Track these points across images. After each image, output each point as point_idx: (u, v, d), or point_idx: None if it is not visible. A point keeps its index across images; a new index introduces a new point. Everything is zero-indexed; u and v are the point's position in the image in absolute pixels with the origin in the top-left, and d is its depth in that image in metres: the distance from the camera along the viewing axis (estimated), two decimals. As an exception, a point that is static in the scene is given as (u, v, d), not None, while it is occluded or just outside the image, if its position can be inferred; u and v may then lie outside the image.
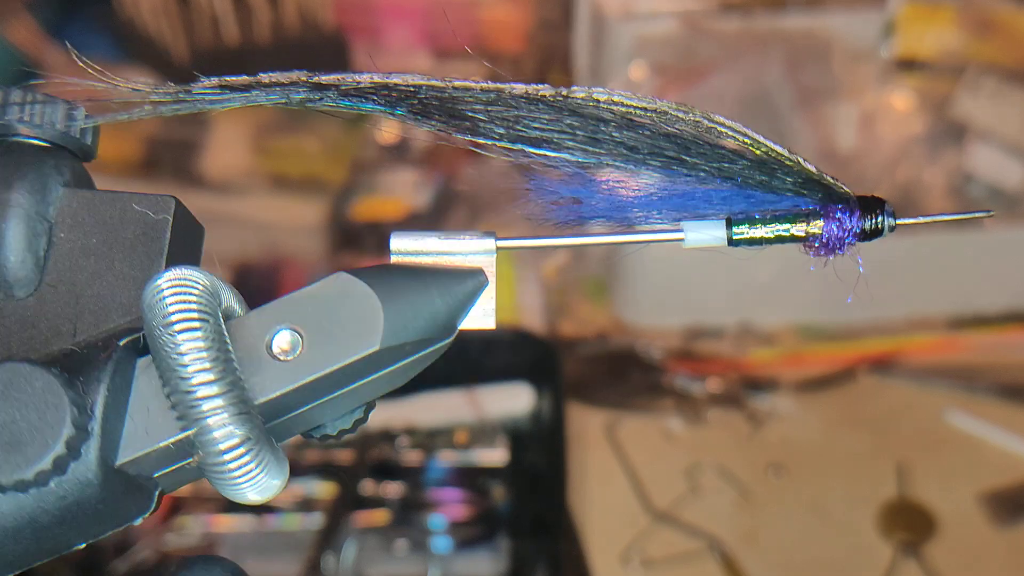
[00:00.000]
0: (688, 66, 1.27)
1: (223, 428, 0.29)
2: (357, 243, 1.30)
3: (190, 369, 0.29)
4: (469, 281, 0.34)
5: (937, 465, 1.02)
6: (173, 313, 0.30)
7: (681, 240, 0.34)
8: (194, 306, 0.30)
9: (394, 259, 0.34)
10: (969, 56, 1.30)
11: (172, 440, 0.31)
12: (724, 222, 0.35)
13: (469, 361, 1.04)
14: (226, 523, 0.91)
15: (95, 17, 1.71)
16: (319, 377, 0.31)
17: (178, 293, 0.30)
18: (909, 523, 0.95)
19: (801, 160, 0.35)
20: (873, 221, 0.35)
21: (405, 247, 0.34)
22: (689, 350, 1.15)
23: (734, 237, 0.35)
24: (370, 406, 0.35)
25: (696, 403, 1.08)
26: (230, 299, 0.32)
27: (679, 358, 1.13)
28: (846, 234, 0.35)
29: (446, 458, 0.96)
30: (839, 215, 0.35)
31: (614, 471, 1.01)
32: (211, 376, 0.29)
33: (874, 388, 1.11)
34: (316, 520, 0.91)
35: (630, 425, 1.06)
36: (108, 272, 0.33)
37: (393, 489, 0.93)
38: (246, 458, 0.30)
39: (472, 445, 0.98)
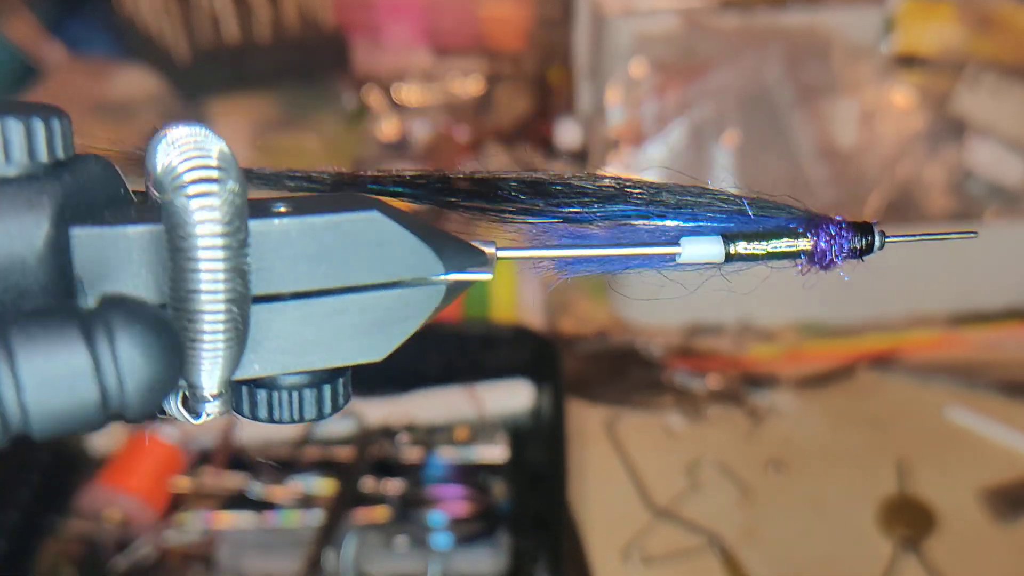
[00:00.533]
0: (688, 63, 1.27)
1: (215, 307, 0.28)
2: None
3: (202, 242, 0.28)
4: (471, 250, 0.34)
5: (937, 461, 1.02)
6: (189, 171, 0.28)
7: (677, 254, 0.36)
8: (213, 163, 0.28)
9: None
10: (969, 52, 1.30)
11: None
12: (720, 238, 0.36)
13: (469, 358, 1.04)
14: (226, 520, 0.91)
15: (95, 15, 1.71)
16: (312, 224, 0.31)
17: (193, 149, 0.28)
18: (909, 519, 0.95)
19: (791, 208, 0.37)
20: (863, 240, 0.36)
21: None
22: (689, 347, 1.15)
23: (731, 253, 0.36)
24: (346, 391, 0.34)
25: (696, 400, 1.08)
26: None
27: (679, 355, 1.13)
28: (838, 252, 0.36)
29: (446, 455, 0.96)
30: (831, 232, 0.36)
31: (614, 468, 1.01)
32: (220, 254, 0.28)
33: (874, 385, 1.11)
34: (316, 517, 0.91)
35: (630, 422, 1.06)
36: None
37: (393, 486, 0.93)
38: (219, 343, 0.29)
39: (472, 442, 0.98)
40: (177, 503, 0.93)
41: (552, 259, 0.36)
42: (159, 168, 0.28)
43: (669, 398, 1.09)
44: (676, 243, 0.36)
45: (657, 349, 1.14)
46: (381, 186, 0.36)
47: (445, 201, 0.36)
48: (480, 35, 1.70)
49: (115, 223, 0.30)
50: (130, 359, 0.26)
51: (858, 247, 0.36)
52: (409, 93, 1.58)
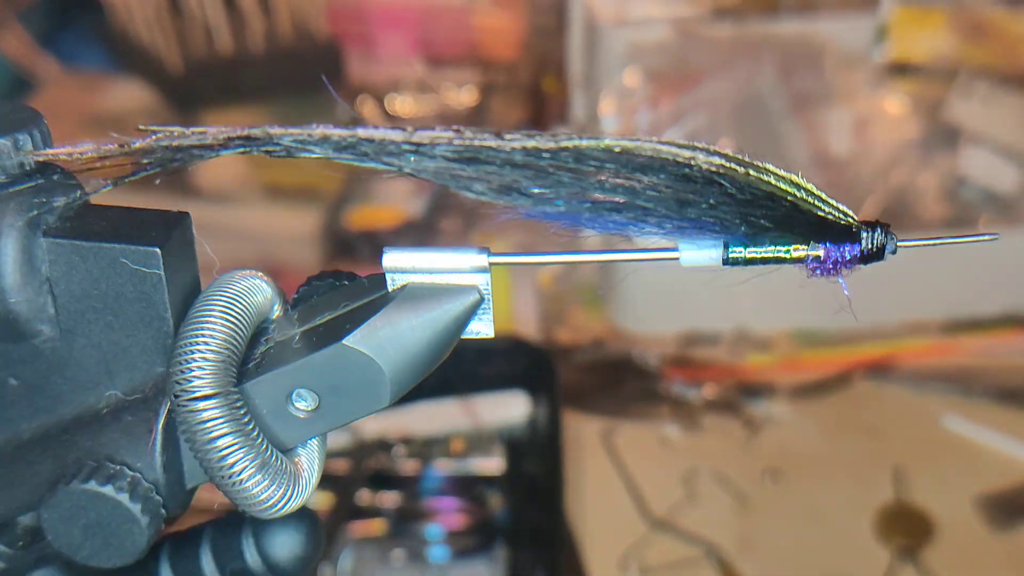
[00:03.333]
0: (681, 72, 1.27)
1: (244, 484, 0.33)
2: (352, 252, 1.30)
3: (219, 447, 0.32)
4: (466, 304, 0.34)
5: (934, 469, 1.02)
6: (191, 391, 0.32)
7: (676, 259, 0.34)
8: (208, 380, 0.32)
9: (388, 276, 0.34)
10: (961, 60, 1.30)
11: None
12: (720, 243, 0.34)
13: (464, 370, 1.04)
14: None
15: (88, 27, 1.71)
16: (335, 427, 0.35)
17: (192, 369, 0.32)
18: (907, 528, 0.95)
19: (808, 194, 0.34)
20: (875, 244, 0.34)
21: (397, 263, 0.33)
22: (685, 357, 1.15)
23: (730, 256, 0.34)
24: None
25: (692, 410, 1.08)
26: (267, 307, 0.35)
27: (675, 365, 1.13)
28: (848, 257, 0.34)
29: (442, 467, 0.96)
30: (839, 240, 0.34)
31: (611, 478, 1.01)
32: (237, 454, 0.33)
33: (870, 393, 1.11)
34: (313, 531, 0.90)
35: (627, 432, 1.06)
36: (120, 321, 0.33)
37: (389, 499, 0.93)
38: (268, 503, 0.34)
39: (468, 454, 0.98)
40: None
41: (545, 263, 0.35)
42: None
43: (665, 408, 1.08)
44: (674, 247, 0.34)
45: (653, 359, 1.14)
46: (394, 158, 0.33)
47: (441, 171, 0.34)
48: (474, 45, 1.70)
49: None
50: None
51: (869, 252, 0.34)
52: (403, 104, 1.58)
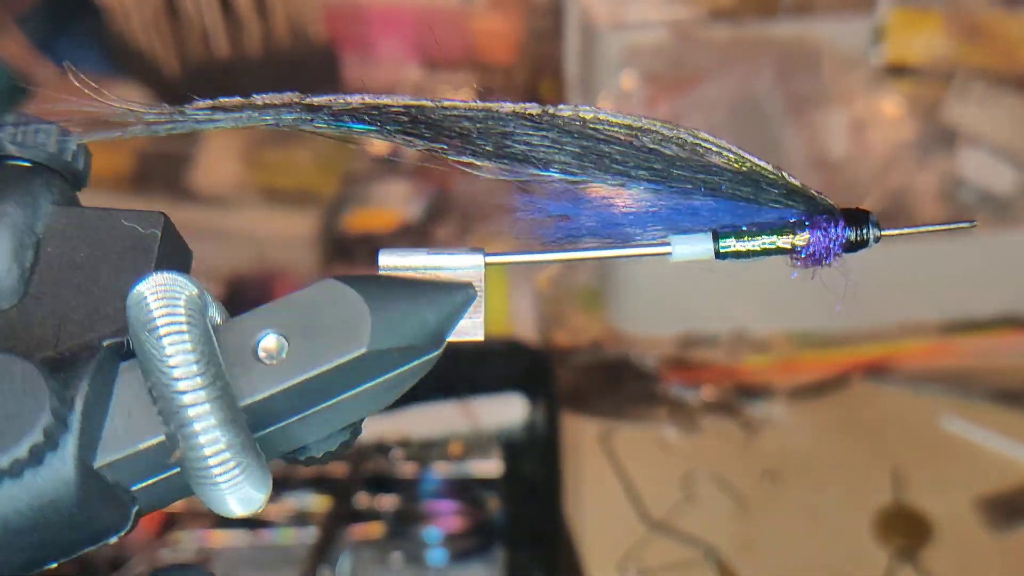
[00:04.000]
0: (678, 75, 1.27)
1: (209, 432, 0.29)
2: (349, 255, 1.30)
3: (176, 372, 0.29)
4: (458, 294, 0.34)
5: (933, 470, 1.02)
6: (159, 316, 0.30)
7: (668, 254, 0.35)
8: (180, 309, 0.30)
9: (383, 275, 0.34)
10: (958, 61, 1.30)
11: (154, 442, 0.31)
12: (711, 235, 0.35)
13: (462, 372, 1.04)
14: (221, 538, 0.91)
15: (86, 31, 1.71)
16: (305, 380, 0.32)
17: (164, 296, 0.30)
18: (905, 529, 0.95)
19: (785, 175, 0.35)
20: (858, 232, 0.35)
21: (393, 264, 0.34)
22: (683, 358, 1.15)
23: (721, 250, 0.35)
24: (356, 429, 0.35)
25: (690, 411, 1.08)
26: (214, 310, 0.32)
27: (673, 366, 1.13)
28: (832, 244, 0.35)
29: (441, 470, 0.96)
30: (824, 226, 0.35)
31: (609, 480, 1.01)
32: (198, 381, 0.29)
33: (868, 394, 1.11)
34: (311, 534, 0.90)
35: (625, 434, 1.06)
36: (95, 285, 0.33)
37: (388, 502, 0.93)
38: (231, 463, 0.30)
39: (467, 456, 0.97)
40: (171, 522, 0.93)
41: (541, 262, 0.35)
42: (132, 316, 0.30)
43: (663, 410, 1.08)
44: (666, 243, 0.35)
45: (651, 361, 1.14)
46: (351, 118, 0.35)
47: (417, 141, 0.35)
48: (471, 48, 1.70)
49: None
50: None
51: (853, 239, 0.35)
52: (400, 107, 1.58)
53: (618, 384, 1.11)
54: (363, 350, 0.32)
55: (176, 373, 0.29)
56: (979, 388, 1.10)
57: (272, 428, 0.33)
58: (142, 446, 0.31)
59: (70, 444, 0.29)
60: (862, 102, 1.27)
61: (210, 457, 0.29)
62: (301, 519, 0.92)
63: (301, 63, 1.63)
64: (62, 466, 0.29)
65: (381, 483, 0.95)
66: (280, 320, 0.32)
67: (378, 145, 1.50)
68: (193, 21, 1.59)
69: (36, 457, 0.29)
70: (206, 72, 1.60)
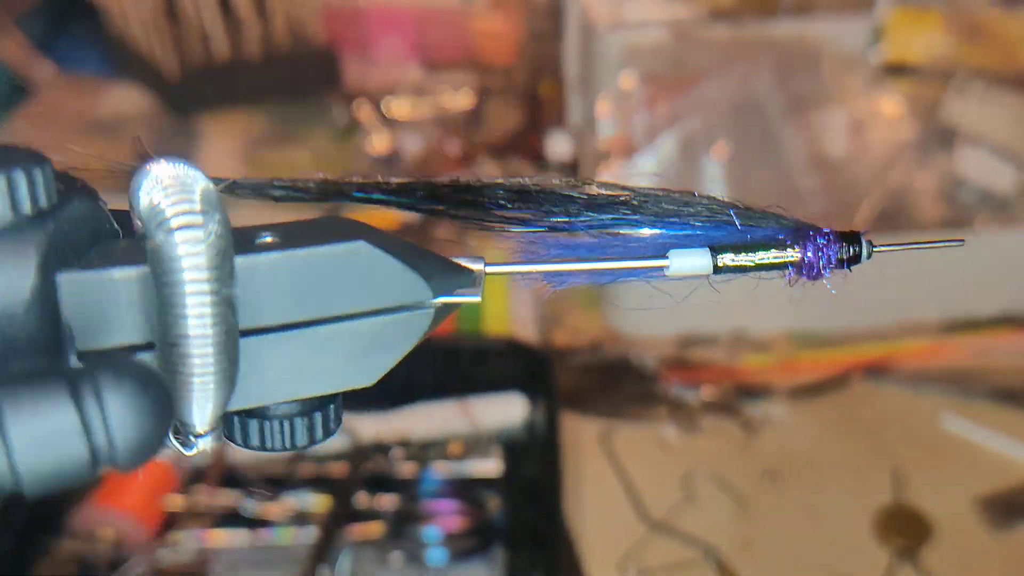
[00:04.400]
0: (678, 75, 1.27)
1: (205, 347, 0.28)
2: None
3: (187, 276, 0.28)
4: (459, 269, 0.34)
5: (932, 470, 1.02)
6: (173, 214, 0.28)
7: (666, 268, 0.35)
8: (197, 204, 0.28)
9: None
10: (958, 61, 1.30)
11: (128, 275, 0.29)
12: (707, 250, 0.36)
13: (462, 372, 1.04)
14: (220, 538, 0.91)
15: (84, 33, 1.71)
16: (297, 257, 0.31)
17: (177, 189, 0.28)
18: (905, 529, 0.95)
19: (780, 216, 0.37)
20: (850, 250, 0.36)
21: None
22: (683, 358, 1.15)
23: (719, 265, 0.36)
24: (337, 416, 0.34)
25: (690, 411, 1.08)
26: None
27: (673, 366, 1.13)
28: (826, 262, 0.36)
29: (440, 470, 0.96)
30: (818, 243, 0.36)
31: (609, 480, 1.01)
32: (206, 289, 0.28)
33: (868, 394, 1.11)
34: (310, 534, 0.90)
35: (624, 434, 1.06)
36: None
37: (387, 501, 0.93)
38: (209, 372, 0.28)
39: (466, 456, 0.97)
40: (171, 521, 0.93)
41: (541, 273, 0.35)
42: (142, 207, 0.28)
43: (663, 410, 1.08)
44: (664, 256, 0.36)
45: (650, 361, 1.14)
46: (366, 194, 0.35)
47: (431, 210, 0.36)
48: (470, 49, 1.70)
49: (101, 266, 0.30)
50: (119, 417, 0.26)
51: (846, 257, 0.36)
52: (400, 107, 1.58)
53: (618, 384, 1.11)
54: (360, 242, 0.31)
55: (187, 276, 0.28)
56: (979, 388, 1.11)
57: (250, 338, 0.31)
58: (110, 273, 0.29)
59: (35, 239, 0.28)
60: (862, 102, 1.28)
61: (195, 372, 0.28)
62: (301, 519, 0.92)
63: (300, 64, 1.63)
64: (23, 252, 0.28)
65: (381, 483, 0.95)
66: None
67: (378, 147, 1.50)
68: (192, 22, 1.59)
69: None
70: (205, 73, 1.60)
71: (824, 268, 0.36)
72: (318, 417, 0.34)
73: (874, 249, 0.37)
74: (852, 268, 0.37)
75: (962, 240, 0.38)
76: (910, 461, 1.02)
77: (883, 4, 1.34)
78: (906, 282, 1.13)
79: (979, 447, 1.04)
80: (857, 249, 0.36)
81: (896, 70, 1.34)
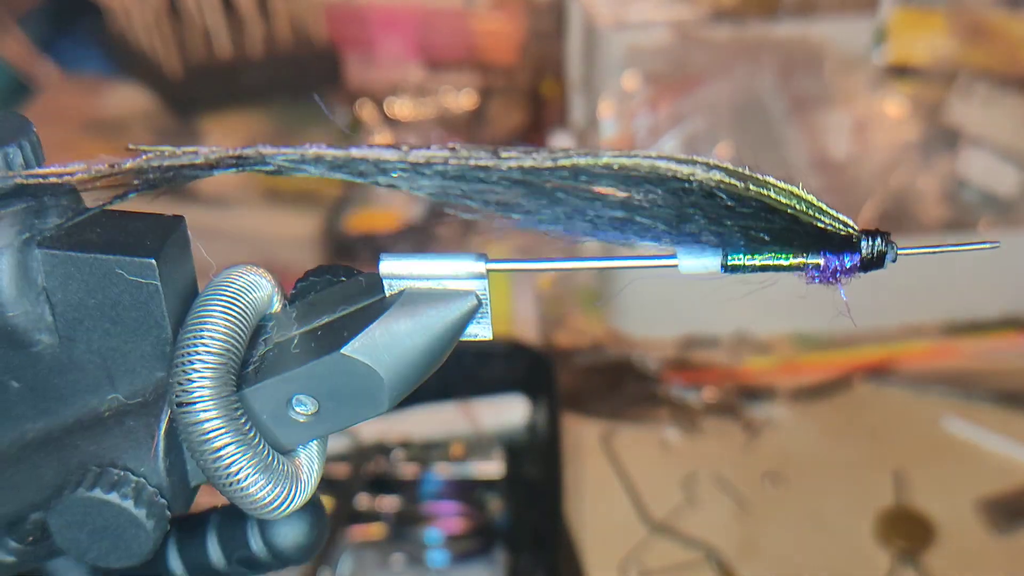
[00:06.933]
0: (681, 75, 1.27)
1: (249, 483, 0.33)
2: (351, 255, 1.30)
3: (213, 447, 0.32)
4: (463, 309, 0.33)
5: (935, 472, 1.01)
6: (190, 400, 0.32)
7: (675, 266, 0.34)
8: (207, 387, 0.32)
9: (385, 282, 0.33)
10: (961, 62, 1.30)
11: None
12: (718, 250, 0.33)
13: (464, 373, 1.04)
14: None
15: (87, 33, 1.71)
16: (334, 431, 0.35)
17: (192, 378, 0.32)
18: (907, 531, 0.95)
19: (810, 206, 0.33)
20: (875, 253, 0.34)
21: (394, 270, 0.33)
22: (685, 359, 1.15)
23: (729, 263, 0.33)
24: None
25: (692, 413, 1.08)
26: (265, 303, 0.35)
27: (675, 368, 1.13)
28: (847, 267, 0.34)
29: (442, 471, 0.96)
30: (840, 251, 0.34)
31: (610, 482, 1.01)
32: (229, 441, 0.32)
33: (870, 396, 1.11)
34: (312, 535, 0.90)
35: (626, 436, 1.06)
36: (118, 328, 0.33)
37: (389, 503, 0.93)
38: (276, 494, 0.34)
39: (468, 458, 0.97)
40: (172, 522, 0.93)
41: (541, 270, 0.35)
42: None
43: (665, 411, 1.08)
44: (673, 254, 0.34)
45: (653, 362, 1.14)
46: (383, 173, 0.33)
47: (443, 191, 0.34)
48: (473, 49, 1.70)
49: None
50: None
51: (870, 259, 0.34)
52: (402, 107, 1.58)
53: (619, 385, 1.11)
54: (384, 410, 0.34)
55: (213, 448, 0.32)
56: (981, 390, 1.10)
57: None
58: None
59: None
60: (864, 102, 1.27)
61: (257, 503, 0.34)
62: (302, 520, 0.92)
63: (303, 63, 1.63)
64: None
65: (382, 484, 0.95)
66: (306, 386, 0.34)
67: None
68: (195, 22, 1.59)
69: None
70: (208, 73, 1.60)
71: (846, 272, 0.34)
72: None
73: (898, 252, 0.34)
74: (874, 270, 0.34)
75: (998, 242, 0.35)
76: (912, 463, 1.02)
77: (886, 5, 1.34)
78: (909, 284, 1.13)
79: (981, 449, 1.04)
80: (881, 251, 0.34)
81: (899, 71, 1.33)
